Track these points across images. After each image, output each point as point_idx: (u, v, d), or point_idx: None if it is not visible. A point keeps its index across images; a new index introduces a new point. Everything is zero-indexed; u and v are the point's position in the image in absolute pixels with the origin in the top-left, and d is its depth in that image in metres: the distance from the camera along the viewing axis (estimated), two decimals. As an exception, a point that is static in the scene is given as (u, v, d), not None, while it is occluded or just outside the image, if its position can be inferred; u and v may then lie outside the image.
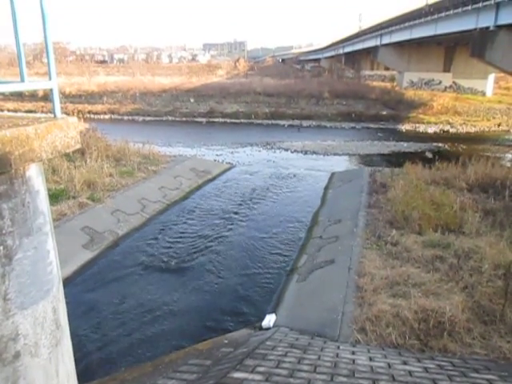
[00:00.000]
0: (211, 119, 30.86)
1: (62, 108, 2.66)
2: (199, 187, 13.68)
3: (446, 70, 37.84)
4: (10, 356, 2.16)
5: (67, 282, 7.02)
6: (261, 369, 4.17)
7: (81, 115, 24.77)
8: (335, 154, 19.81)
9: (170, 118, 31.54)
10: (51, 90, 2.53)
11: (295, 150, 20.60)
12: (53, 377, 2.45)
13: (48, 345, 2.39)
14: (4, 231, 2.10)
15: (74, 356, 2.84)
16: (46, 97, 31.46)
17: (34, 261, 2.29)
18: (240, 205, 11.96)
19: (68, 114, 3.08)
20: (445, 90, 36.62)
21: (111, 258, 8.54)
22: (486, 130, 26.87)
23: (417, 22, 29.77)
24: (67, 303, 2.77)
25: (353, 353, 4.71)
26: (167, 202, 11.86)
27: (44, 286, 2.37)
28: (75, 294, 6.99)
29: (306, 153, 20.07)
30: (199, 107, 32.73)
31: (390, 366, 4.32)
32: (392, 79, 41.87)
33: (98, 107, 33.13)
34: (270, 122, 29.92)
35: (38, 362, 2.33)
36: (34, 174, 2.32)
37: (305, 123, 29.30)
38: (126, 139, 15.87)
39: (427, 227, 8.40)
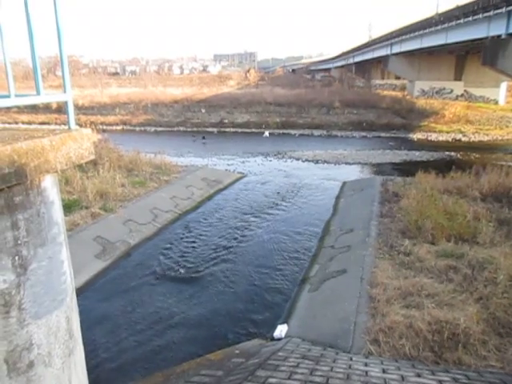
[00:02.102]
0: (222, 129, 31.05)
1: (75, 120, 2.70)
2: (211, 197, 13.72)
3: (458, 78, 37.66)
4: (24, 365, 2.18)
5: (80, 292, 7.06)
6: (273, 380, 4.14)
7: (93, 126, 25.04)
8: (346, 163, 19.77)
9: (181, 129, 31.79)
10: (66, 102, 2.57)
11: (306, 160, 20.59)
12: (66, 387, 2.46)
13: (61, 354, 2.41)
14: (19, 241, 2.13)
15: (86, 366, 2.85)
16: (60, 109, 31.97)
17: (49, 271, 2.31)
18: (251, 214, 11.96)
19: (81, 126, 3.12)
20: (456, 98, 36.41)
21: (123, 268, 8.58)
22: (499, 138, 26.62)
23: (427, 30, 29.74)
24: (80, 313, 2.78)
25: (366, 364, 4.66)
26: (179, 211, 11.91)
27: (58, 296, 2.39)
28: (88, 303, 7.03)
29: (317, 162, 20.05)
30: (210, 117, 32.96)
31: (403, 378, 4.26)
32: (403, 88, 41.74)
33: (111, 118, 33.55)
34: (280, 131, 29.99)
35: (52, 372, 2.34)
36: (49, 185, 2.35)
37: (316, 132, 29.32)
38: (137, 150, 16.03)
39: (440, 237, 8.31)
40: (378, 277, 6.83)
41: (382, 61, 43.05)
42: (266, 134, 28.68)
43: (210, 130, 31.11)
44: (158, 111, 34.38)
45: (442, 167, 14.63)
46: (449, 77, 37.75)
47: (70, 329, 2.49)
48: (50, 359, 2.33)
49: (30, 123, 31.87)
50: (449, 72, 37.82)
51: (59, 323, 2.39)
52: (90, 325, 6.34)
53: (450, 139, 26.54)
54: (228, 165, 19.22)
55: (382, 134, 28.10)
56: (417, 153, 21.88)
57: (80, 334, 2.70)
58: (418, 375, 4.37)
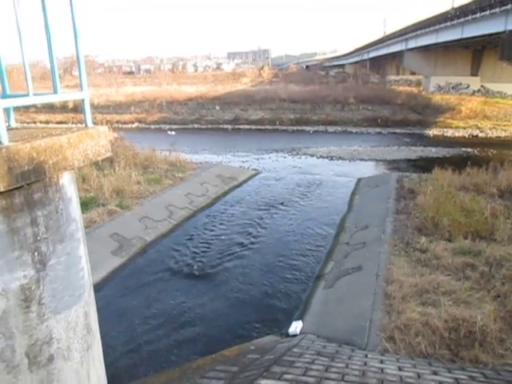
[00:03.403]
0: (236, 126, 31.07)
1: (91, 118, 2.73)
2: (225, 193, 13.76)
3: (474, 73, 37.06)
4: (44, 359, 2.22)
5: (97, 288, 7.14)
6: (288, 376, 4.14)
7: (109, 125, 25.34)
8: (361, 160, 19.64)
9: (195, 126, 31.91)
10: (83, 100, 2.60)
11: (321, 156, 20.51)
12: (84, 381, 2.50)
13: (80, 349, 2.44)
14: (39, 237, 2.16)
15: (104, 360, 2.88)
16: (76, 108, 32.31)
17: (67, 266, 2.35)
18: (266, 211, 11.97)
19: (97, 124, 3.15)
20: (473, 94, 35.85)
21: (139, 265, 8.66)
22: (517, 134, 26.15)
23: (442, 25, 29.31)
24: (98, 308, 2.82)
25: (381, 362, 4.63)
26: (194, 208, 11.97)
27: (76, 291, 2.42)
28: (105, 299, 7.11)
29: (331, 159, 19.96)
30: (224, 114, 33.01)
31: (419, 376, 4.22)
32: (418, 84, 41.24)
33: (126, 117, 33.81)
34: (295, 128, 29.91)
35: (71, 366, 2.38)
36: (67, 182, 2.38)
37: (330, 129, 29.16)
38: (153, 147, 16.13)
39: (457, 234, 8.21)
40: (394, 274, 6.78)
41: (396, 56, 42.58)
42: (172, 132, 28.61)
43: (224, 126, 31.16)
44: (172, 109, 34.53)
45: (459, 163, 14.44)
46: (465, 72, 37.16)
47: (88, 324, 2.53)
48: (69, 353, 2.36)
49: (47, 122, 32.31)
50: (465, 67, 37.23)
51: (78, 318, 2.42)
52: (107, 320, 6.41)
53: (466, 135, 26.18)
54: (242, 162, 19.24)
55: (398, 131, 27.83)
56: (433, 149, 21.63)
57: (98, 329, 2.73)
58: (435, 373, 4.33)
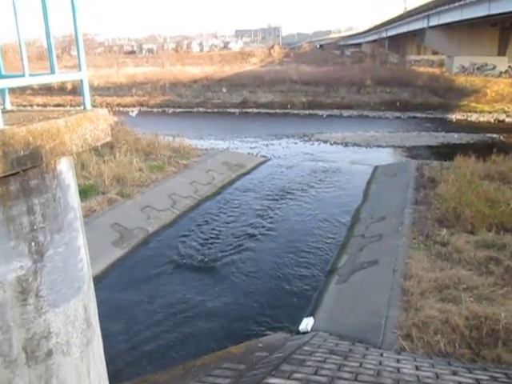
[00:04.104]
0: (244, 110, 30.97)
1: (90, 100, 2.73)
2: (232, 182, 13.78)
3: (501, 53, 36.46)
4: (42, 354, 2.25)
5: (97, 281, 7.20)
6: (298, 375, 4.17)
7: (109, 108, 25.38)
8: (378, 146, 19.52)
9: (201, 110, 31.87)
10: (81, 81, 2.60)
11: (335, 142, 20.42)
12: (84, 377, 2.54)
13: (79, 344, 2.48)
14: (35, 227, 2.18)
15: (105, 356, 2.92)
16: (75, 90, 32.39)
17: (65, 257, 2.37)
18: (276, 200, 11.98)
19: (96, 107, 3.15)
20: (500, 75, 35.30)
21: (141, 256, 8.73)
22: (548, 118, 25.79)
23: (468, 1, 28.81)
24: (97, 302, 2.85)
25: (397, 361, 4.64)
26: (199, 197, 12.01)
27: (75, 284, 2.45)
28: (105, 292, 7.18)
29: (346, 145, 19.87)
30: (232, 97, 32.91)
31: (438, 376, 4.23)
32: (441, 64, 40.69)
33: (127, 99, 33.85)
34: (307, 112, 29.75)
35: (70, 361, 2.41)
36: (65, 168, 2.39)
37: (345, 113, 28.97)
38: (155, 132, 16.16)
39: (480, 226, 8.16)
40: (412, 268, 6.77)
41: (417, 35, 42.03)
42: (134, 113, 28.41)
43: (231, 110, 31.08)
44: (176, 91, 34.49)
45: (483, 150, 14.30)
46: (491, 52, 36.57)
47: (87, 318, 2.56)
48: (69, 348, 2.40)
49: (44, 105, 32.45)
50: (492, 46, 36.63)
51: (77, 312, 2.45)
52: (107, 315, 6.48)
53: (492, 120, 25.85)
54: (251, 148, 19.22)
55: (418, 115, 27.57)
56: (455, 135, 21.41)
57: (98, 324, 2.77)
58: (454, 373, 4.33)
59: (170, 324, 6.53)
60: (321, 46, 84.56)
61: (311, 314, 6.45)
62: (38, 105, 32.56)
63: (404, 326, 5.39)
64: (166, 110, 31.99)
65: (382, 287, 6.51)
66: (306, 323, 6.10)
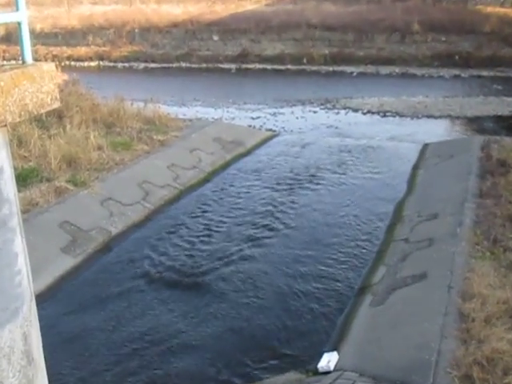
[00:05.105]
0: (244, 65, 30.83)
1: (32, 51, 2.72)
2: (226, 165, 13.78)
3: None
4: (-35, 400, 2.27)
5: (41, 300, 7.24)
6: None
7: (57, 62, 25.31)
8: (429, 117, 19.44)
9: (183, 65, 31.74)
10: (18, 24, 2.59)
11: (369, 111, 20.36)
12: (24, 431, 2.55)
13: (17, 386, 2.49)
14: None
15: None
16: (9, 38, 32.24)
17: (-3, 268, 2.37)
18: (287, 191, 11.98)
19: (40, 61, 3.15)
20: None
21: (101, 267, 8.76)
22: None
23: None
24: (41, 329, 2.86)
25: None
26: (180, 186, 12.02)
27: (11, 304, 2.45)
28: (52, 316, 7.21)
29: (384, 115, 19.80)
30: (226, 48, 32.77)
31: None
32: (517, 3, 40.47)
33: (82, 50, 33.71)
34: (330, 68, 29.61)
35: (4, 410, 2.43)
36: (-4, 146, 2.39)
37: (383, 70, 28.83)
38: (120, 96, 16.10)
39: None
40: (474, 285, 6.77)
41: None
42: None
43: (225, 66, 30.95)
44: (149, 39, 34.33)
45: None
46: None
47: (28, 350, 2.57)
48: (2, 392, 2.41)
49: (-34, 58, 32.36)
50: None
51: (13, 342, 2.46)
52: (54, 347, 6.52)
53: None
54: (252, 118, 19.20)
55: (484, 73, 27.42)
56: (537, 101, 21.35)
57: (42, 358, 2.78)
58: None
59: (141, 359, 6.55)
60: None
61: (335, 348, 6.46)
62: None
63: (462, 364, 5.40)
64: (135, 65, 31.89)
65: (433, 311, 6.52)
66: (328, 360, 6.12)
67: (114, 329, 7.18)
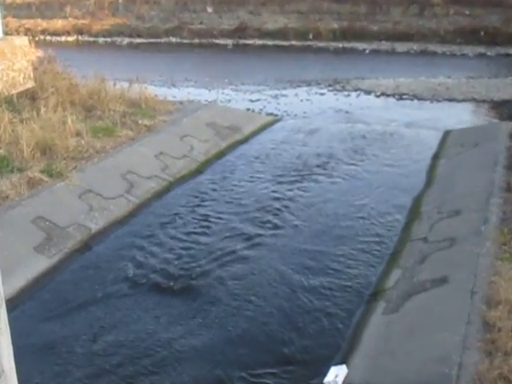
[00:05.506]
0: (242, 41, 30.82)
1: (2, 25, 2.72)
2: (222, 154, 13.79)
3: None
4: None
5: (12, 306, 7.25)
6: None
7: (31, 36, 25.24)
8: (451, 100, 19.44)
9: (173, 40, 31.72)
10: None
11: (383, 94, 20.36)
12: None
13: (-16, 402, 2.49)
14: None
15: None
16: (-25, 7, 32.20)
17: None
18: (290, 184, 11.98)
19: (10, 35, 3.15)
20: None
21: (79, 269, 8.75)
22: None
23: None
24: (12, 338, 2.87)
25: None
26: (169, 178, 12.03)
27: (-23, 310, 2.45)
28: (24, 323, 7.21)
29: (400, 97, 19.80)
30: (222, 21, 32.73)
31: None
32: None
33: (58, 23, 33.67)
34: (340, 45, 29.60)
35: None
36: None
37: (400, 47, 28.82)
38: (102, 75, 16.05)
39: None
40: (501, 290, 6.78)
41: None
42: None
43: (220, 42, 30.93)
44: (134, 11, 34.28)
45: None
46: None
47: (-3, 362, 2.57)
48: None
49: None
50: None
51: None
52: (25, 357, 6.52)
53: None
54: (251, 101, 19.20)
55: (513, 51, 27.46)
56: None
57: (14, 370, 2.78)
58: None
59: (124, 373, 6.55)
60: None
61: (343, 361, 6.47)
62: None
63: (486, 379, 5.41)
64: (119, 40, 31.87)
65: (454, 319, 6.53)
66: (336, 374, 6.13)
67: (94, 337, 7.17)
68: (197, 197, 11.36)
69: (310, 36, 30.44)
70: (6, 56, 2.31)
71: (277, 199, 11.24)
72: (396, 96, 19.98)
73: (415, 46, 28.83)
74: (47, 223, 9.35)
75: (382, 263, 8.89)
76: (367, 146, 14.45)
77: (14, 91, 2.59)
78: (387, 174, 12.63)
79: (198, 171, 12.68)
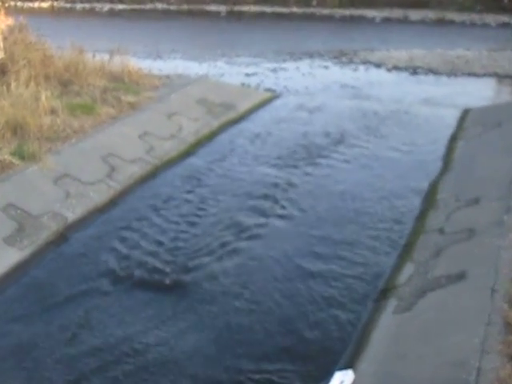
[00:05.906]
0: (236, 7, 30.76)
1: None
2: (214, 134, 13.82)
3: None
4: None
5: (-22, 304, 7.27)
6: None
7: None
8: (470, 75, 19.44)
9: (159, 6, 31.68)
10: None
11: (395, 67, 20.35)
12: None
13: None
14: None
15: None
16: None
17: None
18: (290, 168, 12.00)
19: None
20: None
21: (55, 262, 8.75)
22: None
23: None
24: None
25: None
26: (155, 161, 12.03)
27: None
28: (-8, 324, 7.23)
29: (414, 72, 19.79)
30: (214, -14, 32.67)
31: None
32: None
33: (30, -14, 33.54)
34: (346, 12, 29.58)
35: None
36: None
37: (413, 15, 28.80)
38: (80, 46, 16.01)
39: None
40: (525, 287, 6.80)
41: None
42: None
43: (212, 8, 30.85)
44: (116, -27, 34.17)
45: None
46: None
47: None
48: None
49: None
50: None
51: None
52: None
53: None
54: (247, 75, 19.20)
55: (541, 20, 27.45)
56: None
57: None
58: None
59: (104, 378, 6.56)
60: None
61: (349, 365, 6.48)
62: None
63: (508, 386, 5.44)
64: (98, 6, 31.82)
65: (472, 320, 6.54)
66: (341, 380, 6.14)
67: (72, 338, 7.16)
68: (186, 182, 11.35)
69: (314, 2, 30.37)
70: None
71: (277, 182, 11.24)
72: (409, 70, 19.98)
73: (431, 14, 28.79)
74: (18, 212, 9.33)
75: (393, 255, 8.89)
76: (377, 126, 14.44)
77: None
78: (400, 157, 12.63)
79: (188, 153, 12.68)
